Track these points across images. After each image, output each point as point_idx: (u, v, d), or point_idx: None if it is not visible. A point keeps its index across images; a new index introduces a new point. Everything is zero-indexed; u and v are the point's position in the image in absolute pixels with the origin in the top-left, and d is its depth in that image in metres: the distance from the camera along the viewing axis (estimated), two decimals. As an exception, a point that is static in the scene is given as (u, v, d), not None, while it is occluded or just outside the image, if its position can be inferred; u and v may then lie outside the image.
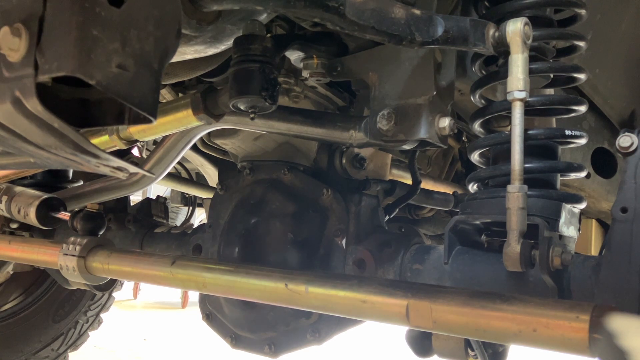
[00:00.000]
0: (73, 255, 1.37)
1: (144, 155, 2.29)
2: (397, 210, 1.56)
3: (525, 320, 0.77)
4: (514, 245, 0.92)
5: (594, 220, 2.08)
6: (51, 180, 2.07)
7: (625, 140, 0.86)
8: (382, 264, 1.26)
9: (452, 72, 1.16)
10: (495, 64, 1.18)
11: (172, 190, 2.98)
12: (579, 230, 1.11)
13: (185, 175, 2.60)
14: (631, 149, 0.86)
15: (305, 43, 1.22)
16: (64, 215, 1.69)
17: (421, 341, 1.16)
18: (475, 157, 1.21)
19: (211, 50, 1.07)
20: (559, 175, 1.14)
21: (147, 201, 2.05)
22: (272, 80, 1.07)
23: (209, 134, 1.66)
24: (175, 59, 1.08)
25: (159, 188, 3.21)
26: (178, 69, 1.26)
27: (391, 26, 0.91)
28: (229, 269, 1.13)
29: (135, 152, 2.20)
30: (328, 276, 1.02)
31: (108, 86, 0.62)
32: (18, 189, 1.79)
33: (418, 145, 1.14)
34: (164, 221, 2.05)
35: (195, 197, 2.89)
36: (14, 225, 1.99)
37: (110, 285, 1.55)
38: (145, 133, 1.28)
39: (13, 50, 0.62)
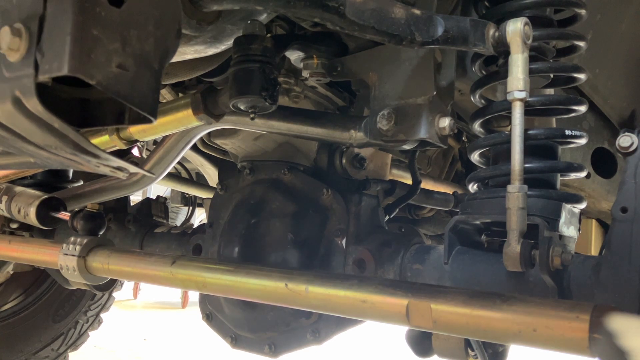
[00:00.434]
0: (73, 255, 1.37)
1: (144, 155, 2.29)
2: (397, 210, 1.56)
3: (525, 320, 0.77)
4: (514, 245, 0.92)
5: (594, 220, 2.08)
6: (51, 180, 2.07)
7: (625, 140, 0.86)
8: (382, 264, 1.26)
9: (452, 72, 1.16)
10: (495, 64, 1.18)
11: (172, 190, 2.98)
12: (579, 230, 1.11)
13: (185, 175, 2.60)
14: (631, 149, 0.86)
15: (305, 43, 1.22)
16: (64, 215, 1.69)
17: (421, 341, 1.16)
18: (475, 157, 1.21)
19: (211, 50, 1.07)
20: (559, 175, 1.14)
21: (147, 201, 2.05)
22: (272, 80, 1.07)
23: (209, 134, 1.66)
24: (175, 59, 1.08)
25: (159, 188, 3.21)
26: (178, 69, 1.26)
27: (391, 26, 0.91)
28: (229, 269, 1.13)
29: (135, 152, 2.20)
30: (328, 276, 1.02)
31: (108, 86, 0.62)
32: (18, 189, 1.79)
33: (418, 145, 1.14)
34: (164, 221, 2.05)
35: (195, 197, 2.88)
36: (14, 225, 1.98)
37: (110, 285, 1.55)
38: (145, 133, 1.28)
39: (13, 50, 0.62)
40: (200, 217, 4.52)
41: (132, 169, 0.78)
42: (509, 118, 0.97)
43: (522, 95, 0.92)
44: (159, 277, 1.24)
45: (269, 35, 1.26)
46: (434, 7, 1.10)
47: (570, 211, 1.07)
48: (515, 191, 0.91)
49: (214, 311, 1.53)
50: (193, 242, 1.59)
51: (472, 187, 1.22)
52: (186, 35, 0.97)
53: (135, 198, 2.94)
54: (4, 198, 1.75)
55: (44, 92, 0.62)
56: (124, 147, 1.33)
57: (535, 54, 1.08)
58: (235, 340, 1.50)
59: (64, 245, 1.41)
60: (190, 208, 2.88)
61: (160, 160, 1.52)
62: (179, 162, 2.31)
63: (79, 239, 1.40)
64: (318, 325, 1.35)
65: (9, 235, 1.96)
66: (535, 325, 0.76)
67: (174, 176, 2.47)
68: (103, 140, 1.31)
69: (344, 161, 1.45)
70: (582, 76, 1.12)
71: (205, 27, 0.98)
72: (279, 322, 1.38)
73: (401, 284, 0.93)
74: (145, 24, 0.66)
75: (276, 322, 1.39)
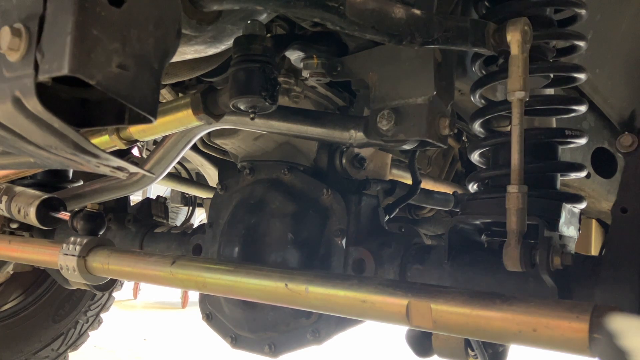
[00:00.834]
0: (73, 255, 1.37)
1: (144, 155, 2.29)
2: (397, 210, 1.56)
3: (525, 320, 0.77)
4: (514, 245, 0.91)
5: (594, 220, 2.08)
6: (51, 180, 2.07)
7: (625, 140, 0.86)
8: (382, 264, 1.26)
9: (452, 72, 1.16)
10: (495, 64, 1.18)
11: (172, 190, 2.98)
12: (579, 230, 1.11)
13: (185, 175, 2.60)
14: (631, 149, 0.86)
15: (305, 43, 1.22)
16: (64, 215, 1.69)
17: (421, 341, 1.16)
18: (475, 157, 1.22)
19: (211, 50, 1.07)
20: (559, 175, 1.14)
21: (147, 201, 2.05)
22: (272, 80, 1.07)
23: (209, 134, 1.66)
24: (175, 59, 1.08)
25: (159, 188, 3.21)
26: (178, 69, 1.26)
27: (391, 26, 0.91)
28: (229, 269, 1.13)
29: (135, 152, 2.20)
30: (328, 276, 1.02)
31: (108, 86, 0.62)
32: (18, 189, 1.79)
33: (418, 145, 1.14)
34: (164, 221, 2.05)
35: (195, 197, 2.88)
36: (14, 225, 1.98)
37: (110, 285, 1.54)
38: (145, 133, 1.28)
39: (13, 50, 0.62)
40: (200, 217, 4.52)
41: (132, 169, 0.78)
42: (509, 118, 0.97)
43: (522, 95, 0.92)
44: (159, 277, 1.24)
45: (269, 35, 1.26)
46: (434, 7, 1.10)
47: (570, 211, 1.07)
48: (515, 191, 0.91)
49: (214, 311, 1.53)
50: (193, 242, 1.59)
51: (472, 187, 1.22)
52: (186, 35, 0.97)
53: (135, 198, 2.94)
54: (4, 198, 1.75)
55: (44, 92, 0.62)
56: (124, 147, 1.33)
57: (535, 54, 1.08)
58: (235, 340, 1.50)
59: (64, 245, 1.41)
60: (190, 208, 2.88)
61: (160, 160, 1.52)
62: (179, 162, 2.31)
63: (79, 239, 1.40)
64: (318, 325, 1.35)
65: (9, 235, 1.96)
66: (535, 325, 0.76)
67: (174, 176, 2.47)
68: (103, 140, 1.31)
69: (344, 161, 1.45)
70: (582, 76, 1.12)
71: (205, 27, 0.98)
72: (279, 322, 1.38)
73: (401, 284, 0.93)
74: (145, 24, 0.66)
75: (276, 322, 1.39)
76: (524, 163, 0.92)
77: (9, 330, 2.52)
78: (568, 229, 1.06)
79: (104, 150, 0.72)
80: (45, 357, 2.65)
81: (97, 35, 0.61)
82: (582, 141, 1.12)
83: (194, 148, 1.89)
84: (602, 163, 1.75)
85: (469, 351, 1.10)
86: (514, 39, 0.93)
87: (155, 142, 2.10)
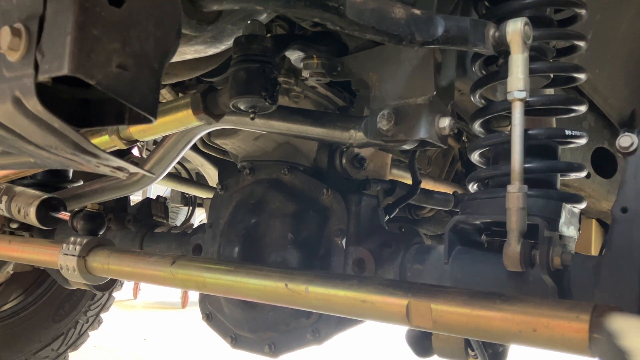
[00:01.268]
0: (73, 255, 1.37)
1: (144, 155, 2.29)
2: (397, 210, 1.56)
3: (525, 320, 0.77)
4: (514, 245, 0.91)
5: (594, 220, 2.08)
6: (51, 180, 2.07)
7: (625, 140, 0.86)
8: (382, 264, 1.26)
9: (452, 72, 1.16)
10: (495, 64, 1.18)
11: (172, 190, 2.98)
12: (579, 230, 1.11)
13: (185, 175, 2.60)
14: (631, 149, 0.86)
15: (305, 43, 1.22)
16: (64, 215, 1.69)
17: (421, 341, 1.16)
18: (475, 157, 1.21)
19: (211, 50, 1.07)
20: (559, 175, 1.14)
21: (147, 201, 2.04)
22: (272, 80, 1.07)
23: (209, 134, 1.66)
24: (175, 59, 1.08)
25: (159, 188, 3.21)
26: (178, 69, 1.27)
27: (391, 26, 0.91)
28: (229, 269, 1.13)
29: (135, 152, 2.20)
30: (328, 276, 1.02)
31: (108, 86, 0.62)
32: (18, 189, 1.79)
33: (418, 145, 1.14)
34: (164, 221, 2.05)
35: (195, 197, 2.88)
36: (14, 225, 1.98)
37: (110, 285, 1.54)
38: (145, 133, 1.28)
39: (13, 50, 0.62)
40: (200, 217, 4.52)
41: (132, 169, 0.78)
42: (509, 118, 0.97)
43: (522, 95, 0.92)
44: (159, 277, 1.24)
45: (269, 35, 1.26)
46: (434, 7, 1.10)
47: (570, 211, 1.07)
48: (515, 191, 0.91)
49: (214, 311, 1.53)
50: (193, 242, 1.59)
51: (472, 187, 1.22)
52: (186, 35, 0.97)
53: (135, 198, 2.94)
54: (4, 198, 1.75)
55: (44, 92, 0.62)
56: (124, 147, 1.33)
57: (535, 54, 1.08)
58: (235, 340, 1.50)
59: (64, 245, 1.41)
60: (190, 208, 2.88)
61: (160, 160, 1.52)
62: (179, 162, 2.31)
63: (79, 239, 1.40)
64: (318, 325, 1.35)
65: (9, 235, 1.96)
66: (535, 325, 0.76)
67: (174, 176, 2.47)
68: (103, 140, 1.32)
69: (344, 161, 1.45)
70: (582, 76, 1.12)
71: (205, 27, 0.98)
72: (279, 322, 1.38)
73: (401, 284, 0.93)
74: (145, 24, 0.67)
75: (276, 322, 1.39)
76: (524, 163, 0.92)
77: (9, 330, 2.52)
78: (568, 229, 1.06)
79: (104, 150, 0.72)
80: (45, 357, 2.65)
81: (97, 35, 0.61)
82: (582, 141, 1.12)
83: (194, 148, 1.89)
84: (602, 163, 1.75)
85: (469, 351, 1.10)
86: (514, 39, 0.93)
87: (155, 142, 2.10)
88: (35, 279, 2.63)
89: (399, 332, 1.12)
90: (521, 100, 0.92)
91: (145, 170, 1.49)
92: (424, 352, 1.16)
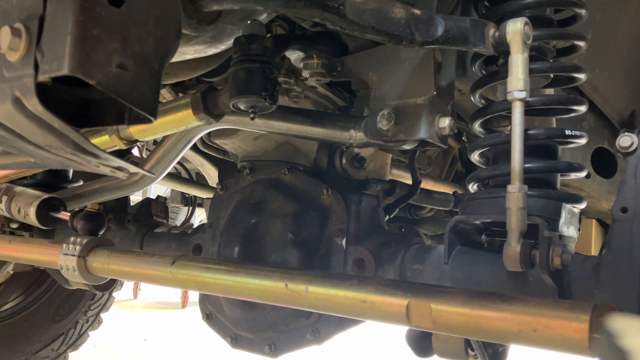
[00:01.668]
0: (73, 255, 1.37)
1: (144, 155, 2.29)
2: (397, 210, 1.56)
3: (525, 320, 0.77)
4: (514, 245, 0.91)
5: (594, 220, 2.08)
6: (51, 180, 2.07)
7: (625, 140, 0.86)
8: (382, 264, 1.26)
9: (452, 72, 1.16)
10: (495, 64, 1.18)
11: (172, 190, 2.98)
12: (579, 230, 1.11)
13: (185, 175, 2.60)
14: (631, 149, 0.86)
15: (305, 43, 1.22)
16: (64, 215, 1.69)
17: (421, 341, 1.16)
18: (475, 157, 1.21)
19: (211, 50, 1.07)
20: (559, 175, 1.14)
21: (147, 201, 2.04)
22: (272, 80, 1.07)
23: (209, 134, 1.66)
24: (175, 59, 1.08)
25: (159, 188, 3.21)
26: (178, 69, 1.26)
27: (391, 26, 0.91)
28: (229, 269, 1.13)
29: (135, 152, 2.20)
30: (328, 276, 1.02)
31: (108, 86, 0.62)
32: (18, 189, 1.79)
33: (418, 145, 1.14)
34: (164, 221, 2.05)
35: (195, 197, 2.88)
36: (14, 225, 1.98)
37: (110, 285, 1.54)
38: (145, 133, 1.28)
39: (13, 50, 0.62)
40: (200, 217, 4.52)
41: (132, 169, 0.78)
42: (509, 118, 0.97)
43: (522, 95, 0.92)
44: (159, 277, 1.24)
45: (269, 35, 1.26)
46: (434, 7, 1.10)
47: (570, 211, 1.07)
48: (515, 191, 0.91)
49: (214, 311, 1.53)
50: (193, 242, 1.59)
51: (472, 187, 1.22)
52: (186, 35, 0.97)
53: (135, 198, 2.94)
54: (4, 198, 1.75)
55: (44, 92, 0.62)
56: (124, 147, 1.33)
57: (535, 54, 1.08)
58: (235, 340, 1.50)
59: (64, 245, 1.41)
60: (190, 208, 2.88)
61: (160, 160, 1.52)
62: (179, 162, 2.31)
63: (79, 239, 1.40)
64: (318, 325, 1.35)
65: (9, 235, 1.96)
66: (535, 325, 0.76)
67: (174, 176, 2.47)
68: (103, 140, 1.32)
69: (344, 161, 1.45)
70: (582, 76, 1.12)
71: (205, 27, 0.98)
72: (279, 322, 1.38)
73: (401, 284, 0.93)
74: (145, 24, 0.66)
75: (276, 322, 1.39)
76: (524, 163, 0.92)
77: (9, 330, 2.52)
78: (568, 229, 1.06)
79: (104, 150, 0.72)
80: (45, 357, 2.65)
81: (97, 35, 0.61)
82: (582, 141, 1.12)
83: (194, 148, 1.89)
84: (602, 163, 1.75)
85: (469, 351, 1.10)
86: (514, 38, 0.93)
87: (155, 142, 2.10)
88: (35, 279, 2.63)
89: (399, 332, 1.12)
90: (521, 100, 0.92)
91: (145, 170, 1.49)
92: (424, 352, 1.16)
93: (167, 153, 1.51)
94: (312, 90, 1.45)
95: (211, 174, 2.12)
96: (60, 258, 1.40)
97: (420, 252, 1.22)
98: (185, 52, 1.05)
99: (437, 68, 1.11)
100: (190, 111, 1.16)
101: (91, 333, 2.84)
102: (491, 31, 0.95)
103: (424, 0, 1.09)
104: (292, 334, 1.39)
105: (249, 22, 1.05)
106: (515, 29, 0.93)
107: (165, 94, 1.59)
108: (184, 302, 7.62)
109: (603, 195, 1.78)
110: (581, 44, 1.12)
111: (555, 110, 1.16)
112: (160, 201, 2.06)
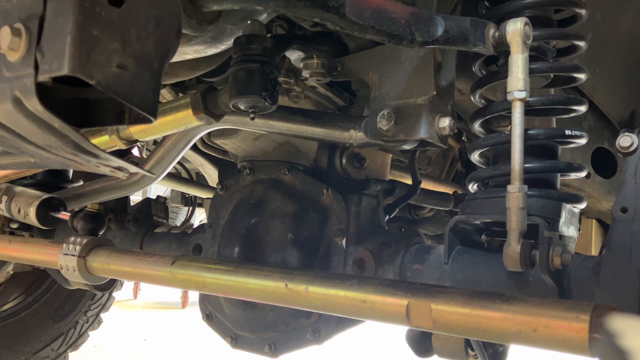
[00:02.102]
0: (73, 255, 1.37)
1: (144, 155, 2.29)
2: (397, 210, 1.56)
3: (525, 320, 0.77)
4: (514, 245, 0.91)
5: (594, 220, 2.08)
6: (51, 180, 2.07)
7: (625, 140, 0.86)
8: (382, 264, 1.26)
9: (452, 72, 1.16)
10: (495, 64, 1.18)
11: (172, 190, 2.98)
12: (579, 230, 1.11)
13: (185, 175, 2.60)
14: (631, 149, 0.86)
15: (305, 43, 1.22)
16: (64, 215, 1.69)
17: (421, 341, 1.16)
18: (475, 157, 1.21)
19: (211, 50, 1.07)
20: (559, 175, 1.14)
21: (147, 201, 2.04)
22: (272, 80, 1.07)
23: (209, 134, 1.66)
24: (175, 59, 1.08)
25: (159, 188, 3.21)
26: (178, 69, 1.26)
27: (391, 26, 0.91)
28: (229, 269, 1.13)
29: (135, 152, 2.20)
30: (328, 276, 1.02)
31: (108, 86, 0.62)
32: (18, 189, 1.79)
33: (418, 145, 1.13)
34: (164, 221, 2.05)
35: (195, 197, 2.88)
36: (14, 225, 1.98)
37: (110, 285, 1.54)
38: (145, 133, 1.28)
39: (13, 50, 0.62)
40: (200, 217, 4.52)
41: (132, 169, 0.78)
42: (509, 118, 0.97)
43: (522, 95, 0.92)
44: (159, 277, 1.24)
45: (269, 35, 1.26)
46: (434, 7, 1.10)
47: (570, 211, 1.07)
48: (515, 191, 0.91)
49: (214, 311, 1.53)
50: (193, 242, 1.59)
51: (472, 187, 1.22)
52: (186, 35, 0.97)
53: (135, 198, 2.94)
54: (4, 198, 1.75)
55: (44, 92, 0.62)
56: (124, 147, 1.33)
57: (535, 54, 1.08)
58: (235, 340, 1.50)
59: (64, 245, 1.41)
60: (190, 208, 2.88)
61: (160, 160, 1.52)
62: (179, 162, 2.31)
63: (79, 239, 1.40)
64: (318, 325, 1.35)
65: (9, 235, 1.96)
66: (535, 325, 0.76)
67: (174, 176, 2.47)
68: (103, 140, 1.31)
69: (344, 161, 1.45)
70: (582, 76, 1.12)
71: (205, 27, 0.98)
72: (279, 322, 1.38)
73: (401, 284, 0.93)
74: (145, 24, 0.66)
75: (276, 322, 1.39)
76: (524, 163, 0.92)
77: (9, 330, 2.52)
78: (568, 229, 1.06)
79: (104, 150, 0.72)
80: (45, 357, 2.65)
81: (97, 35, 0.61)
82: (582, 141, 1.12)
83: (194, 148, 1.89)
84: (602, 163, 1.75)
85: (469, 351, 1.10)
86: (514, 39, 0.93)
87: (155, 142, 2.10)
88: (35, 279, 2.63)
89: (399, 332, 1.12)
90: (521, 100, 0.92)
91: (145, 170, 1.49)
92: (424, 352, 1.16)
93: (167, 153, 1.51)
94: (312, 90, 1.45)
95: (211, 174, 2.12)
96: (60, 258, 1.40)
97: (420, 252, 1.22)
98: (185, 52, 1.05)
99: (437, 68, 1.11)
100: (190, 111, 1.16)
101: (91, 333, 2.84)
102: (491, 31, 0.95)
103: (424, 0, 1.09)
104: (292, 334, 1.39)
105: (249, 22, 1.05)
106: (516, 29, 0.93)
107: (165, 94, 1.59)
108: (184, 302, 7.62)
109: (603, 195, 1.78)
110: (581, 44, 1.12)
111: (555, 110, 1.16)
112: (160, 201, 2.06)
